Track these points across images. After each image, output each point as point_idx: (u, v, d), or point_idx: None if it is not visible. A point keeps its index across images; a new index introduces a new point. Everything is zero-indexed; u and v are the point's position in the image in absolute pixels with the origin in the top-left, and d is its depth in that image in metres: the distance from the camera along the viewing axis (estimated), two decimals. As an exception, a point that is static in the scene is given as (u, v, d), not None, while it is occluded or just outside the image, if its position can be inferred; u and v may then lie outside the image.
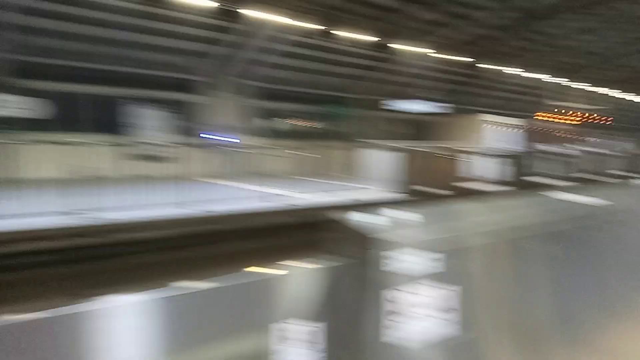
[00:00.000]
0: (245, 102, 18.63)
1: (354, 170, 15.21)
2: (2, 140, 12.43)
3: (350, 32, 18.11)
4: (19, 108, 13.32)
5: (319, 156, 15.35)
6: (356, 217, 2.16)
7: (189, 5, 14.44)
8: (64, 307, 1.39)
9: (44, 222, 6.66)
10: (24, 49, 13.66)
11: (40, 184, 9.57)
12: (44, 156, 12.60)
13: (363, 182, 13.55)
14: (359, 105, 22.01)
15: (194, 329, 1.62)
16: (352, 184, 13.18)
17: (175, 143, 14.55)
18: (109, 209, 7.52)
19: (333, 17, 17.20)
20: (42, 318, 1.29)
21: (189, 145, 15.15)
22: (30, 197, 8.73)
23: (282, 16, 15.91)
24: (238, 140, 17.29)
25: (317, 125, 21.97)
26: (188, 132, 17.14)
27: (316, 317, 1.88)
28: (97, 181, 8.32)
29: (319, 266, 1.96)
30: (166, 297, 1.53)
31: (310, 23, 16.83)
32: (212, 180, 13.91)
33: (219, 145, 16.80)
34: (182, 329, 1.57)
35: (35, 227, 6.41)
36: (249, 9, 15.51)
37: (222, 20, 15.99)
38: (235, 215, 8.28)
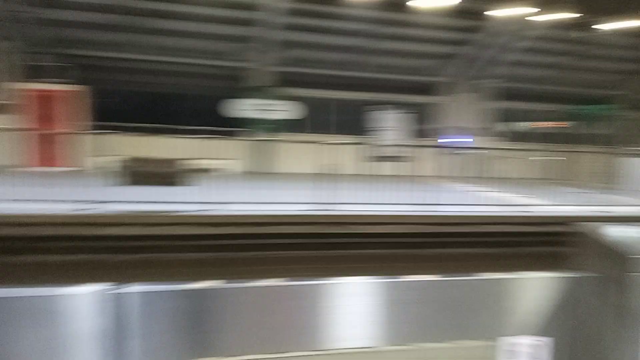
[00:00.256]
0: (484, 102, 17.89)
1: (611, 179, 13.15)
2: (268, 139, 14.62)
3: (616, 21, 15.66)
4: (281, 112, 15.47)
5: (567, 161, 13.73)
6: (611, 232, 1.84)
7: (429, 8, 14.54)
8: (302, 279, 1.54)
9: (293, 209, 7.62)
10: (285, 61, 15.78)
11: (293, 177, 10.90)
12: (297, 153, 14.35)
13: (623, 193, 11.60)
14: (629, 105, 18.89)
15: (415, 319, 1.62)
16: (608, 195, 11.41)
17: (411, 144, 14.87)
18: (347, 202, 8.14)
19: (594, 5, 15.13)
20: (286, 285, 1.45)
21: (425, 146, 15.29)
22: (284, 187, 9.97)
23: (531, 9, 14.72)
24: (475, 143, 16.72)
25: (567, 127, 19.67)
26: (425, 133, 17.33)
27: (548, 332, 1.68)
28: (340, 177, 9.07)
29: (559, 279, 1.73)
30: (392, 282, 1.56)
31: (564, 14, 15.13)
32: (446, 182, 13.76)
33: (455, 147, 16.52)
34: (406, 317, 1.58)
35: (285, 213, 7.36)
36: (494, 6, 14.80)
37: (466, 20, 15.66)
38: (466, 218, 8.02)
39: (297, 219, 7.30)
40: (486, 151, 14.68)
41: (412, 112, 16.74)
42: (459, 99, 17.56)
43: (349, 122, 16.78)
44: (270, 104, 15.45)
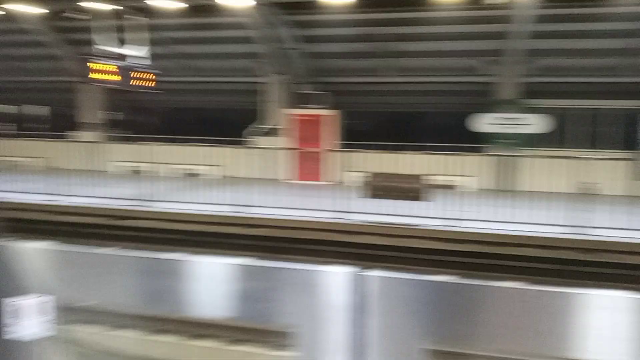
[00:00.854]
0: None
1: None
2: (514, 154, 13.87)
3: None
4: (528, 125, 14.48)
5: None
6: None
7: None
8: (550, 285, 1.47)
9: (537, 230, 7.07)
10: (534, 71, 14.68)
11: (540, 195, 10.10)
12: (547, 170, 13.18)
13: None
14: None
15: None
16: None
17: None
18: (605, 227, 7.16)
19: None
20: (531, 289, 1.39)
21: None
22: (529, 207, 9.28)
23: None
24: None
25: None
26: None
27: None
28: (599, 197, 8.07)
29: None
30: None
31: None
32: None
33: None
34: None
35: (528, 235, 6.90)
36: None
37: None
38: None
39: (540, 241, 6.79)
40: None
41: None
42: None
43: (612, 134, 14.63)
44: (517, 118, 14.62)
